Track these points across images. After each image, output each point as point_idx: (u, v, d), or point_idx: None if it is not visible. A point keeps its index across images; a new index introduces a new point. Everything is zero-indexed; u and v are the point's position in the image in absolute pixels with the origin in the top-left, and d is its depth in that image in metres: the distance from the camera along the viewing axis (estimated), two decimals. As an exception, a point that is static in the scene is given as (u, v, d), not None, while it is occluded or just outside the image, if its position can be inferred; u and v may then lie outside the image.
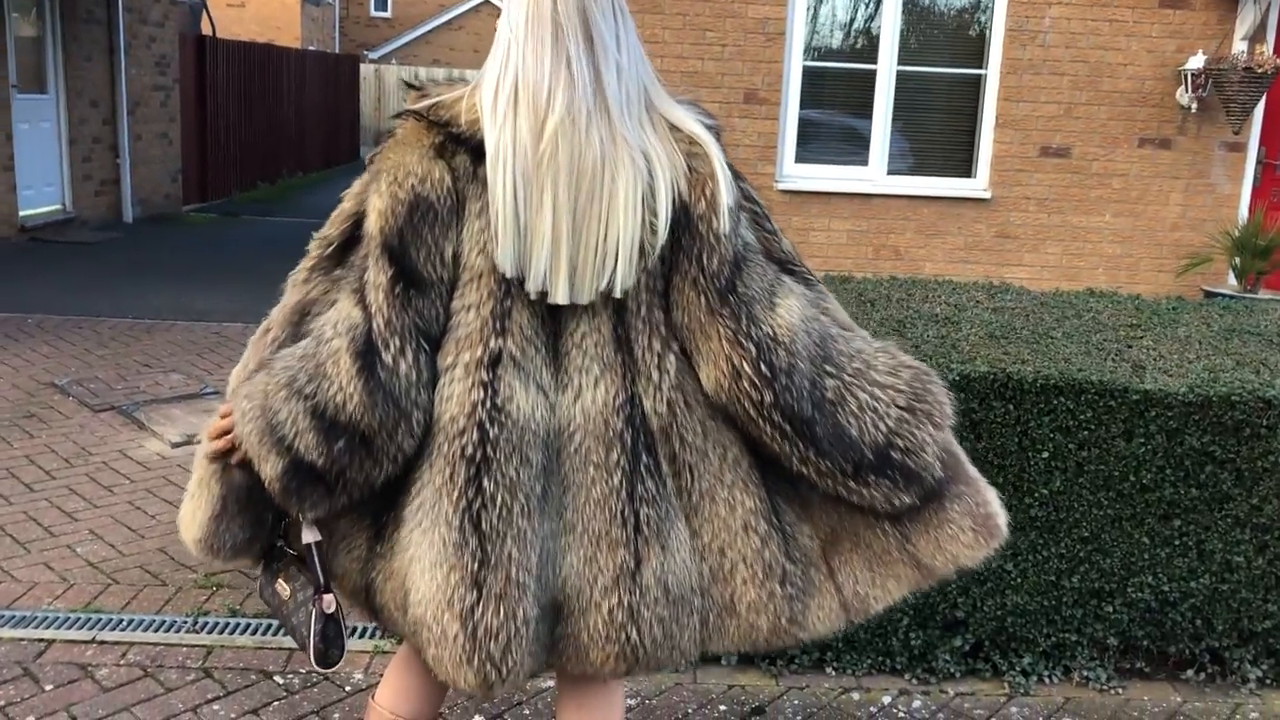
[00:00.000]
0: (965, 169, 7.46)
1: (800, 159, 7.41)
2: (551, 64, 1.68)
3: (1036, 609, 3.13)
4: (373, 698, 2.11)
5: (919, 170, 7.47)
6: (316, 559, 1.83)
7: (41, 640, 3.25)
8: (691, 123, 1.78)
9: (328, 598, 1.84)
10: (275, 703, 3.00)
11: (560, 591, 1.78)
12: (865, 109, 7.38)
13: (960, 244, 7.40)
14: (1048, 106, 7.25)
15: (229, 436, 1.80)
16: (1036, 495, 3.03)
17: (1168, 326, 3.48)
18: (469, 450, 1.69)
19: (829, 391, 1.75)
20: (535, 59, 1.68)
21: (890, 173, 7.43)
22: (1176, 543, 3.08)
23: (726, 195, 1.74)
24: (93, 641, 3.25)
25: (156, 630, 3.33)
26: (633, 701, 3.07)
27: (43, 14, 10.72)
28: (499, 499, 1.70)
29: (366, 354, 1.67)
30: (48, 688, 3.02)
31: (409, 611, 1.79)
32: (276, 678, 3.12)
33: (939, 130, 7.50)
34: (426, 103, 1.75)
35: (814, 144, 7.46)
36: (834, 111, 7.59)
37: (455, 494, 1.70)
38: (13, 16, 10.10)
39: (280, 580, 1.93)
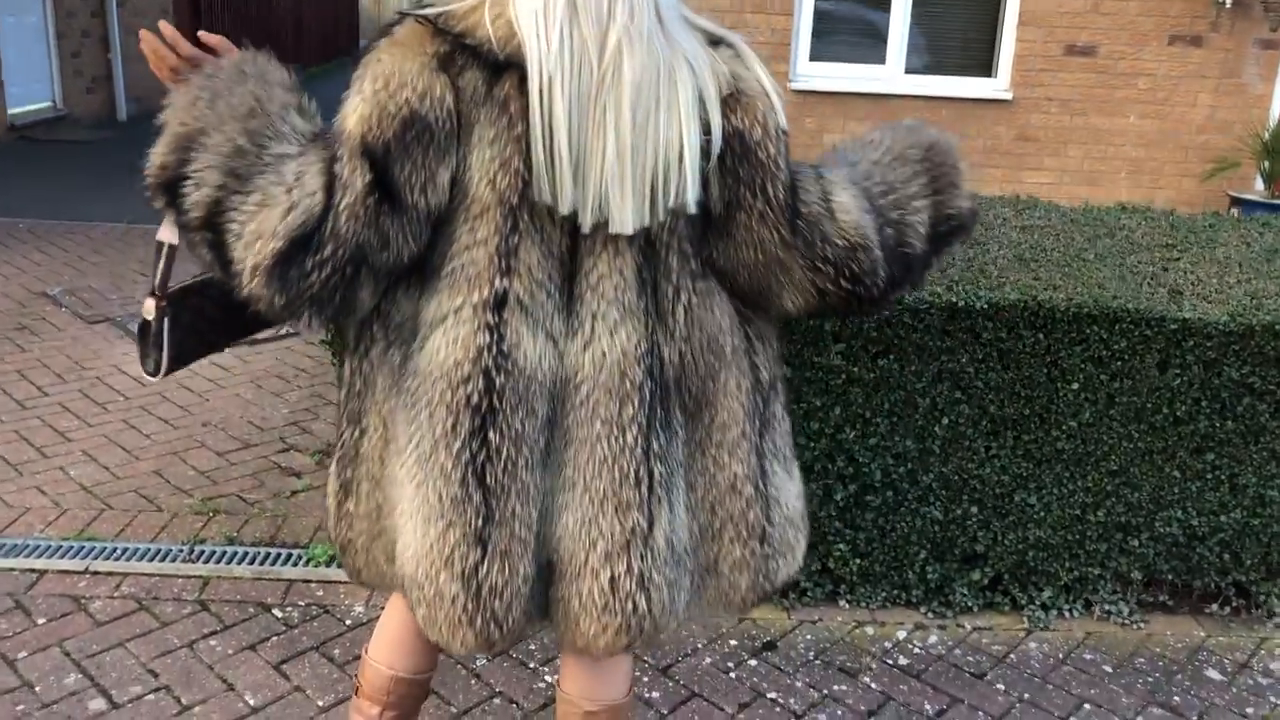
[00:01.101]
0: (986, 68, 7.16)
1: (815, 56, 7.11)
2: None
3: (1059, 543, 3.02)
4: (365, 650, 2.02)
5: (937, 70, 7.17)
6: (160, 260, 1.74)
7: (33, 571, 3.16)
8: (723, 30, 1.62)
9: (148, 303, 1.74)
10: (274, 638, 2.91)
11: (555, 552, 1.66)
12: (883, 4, 7.06)
13: (979, 147, 7.13)
14: (1073, 2, 6.92)
15: (171, 78, 1.67)
16: (1064, 428, 2.89)
17: (1205, 247, 3.30)
18: (474, 399, 1.56)
19: (892, 240, 1.75)
20: None
21: (908, 71, 7.14)
22: (1209, 476, 2.95)
23: (780, 115, 1.60)
24: (86, 572, 3.16)
25: (152, 559, 3.24)
26: (641, 637, 2.99)
27: (23, -101, 10.30)
28: (505, 452, 1.58)
29: (300, 243, 1.50)
30: (40, 621, 2.94)
31: (401, 569, 1.68)
32: (275, 610, 3.03)
33: (959, 28, 7.17)
34: (434, 10, 1.55)
35: (830, 41, 7.15)
36: (851, 5, 7.26)
37: (457, 446, 1.58)
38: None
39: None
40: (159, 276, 1.74)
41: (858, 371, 2.82)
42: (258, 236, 1.50)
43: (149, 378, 1.83)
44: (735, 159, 1.58)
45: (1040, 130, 7.13)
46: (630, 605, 1.65)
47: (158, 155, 1.59)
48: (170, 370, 1.81)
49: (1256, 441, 2.92)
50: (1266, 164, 6.67)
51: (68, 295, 5.70)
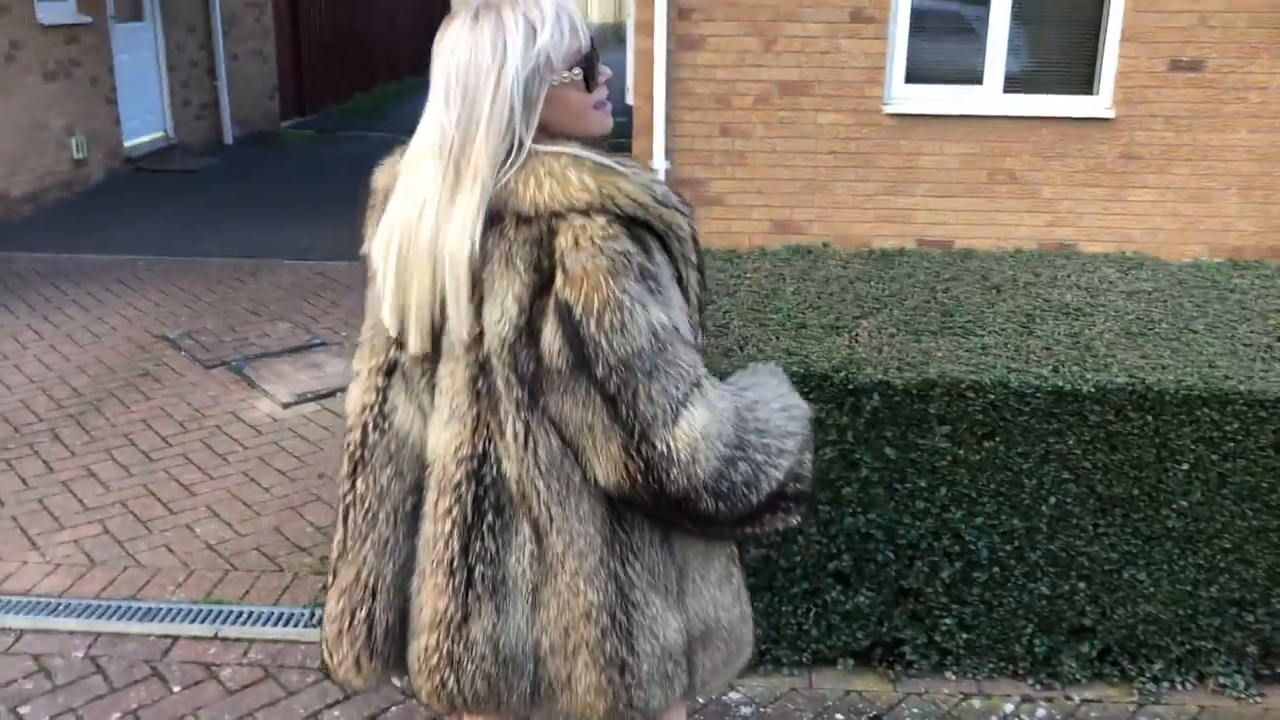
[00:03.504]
0: (1087, 86, 7.01)
1: (910, 79, 7.05)
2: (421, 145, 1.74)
3: (1170, 618, 2.99)
4: None
5: (1037, 89, 7.05)
6: None
7: (168, 636, 3.33)
8: (568, 189, 1.59)
9: None
10: (393, 708, 3.03)
11: (406, 608, 1.84)
12: (980, 23, 6.96)
13: (1080, 166, 7.00)
14: (1180, 16, 6.74)
15: None
16: (1174, 506, 2.86)
17: (1323, 310, 3.22)
18: (352, 448, 1.81)
19: (740, 476, 1.65)
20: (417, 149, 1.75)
21: (1006, 92, 7.03)
22: (1328, 554, 2.89)
23: (600, 295, 1.56)
24: (215, 638, 3.33)
25: (276, 624, 3.39)
26: (747, 710, 3.04)
27: (136, -61, 10.70)
28: (367, 501, 1.80)
29: None
30: (175, 689, 3.11)
31: None
32: (394, 679, 3.14)
33: (1059, 45, 7.04)
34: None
35: (925, 63, 7.08)
36: (946, 28, 7.18)
37: (340, 487, 1.82)
38: (106, -56, 10.09)
39: None
40: None
41: (963, 454, 2.83)
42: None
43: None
44: (564, 331, 1.60)
45: (1145, 148, 6.96)
46: (439, 678, 1.78)
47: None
48: None
49: (1378, 519, 2.85)
50: (1387, 179, 6.43)
51: (186, 338, 5.94)
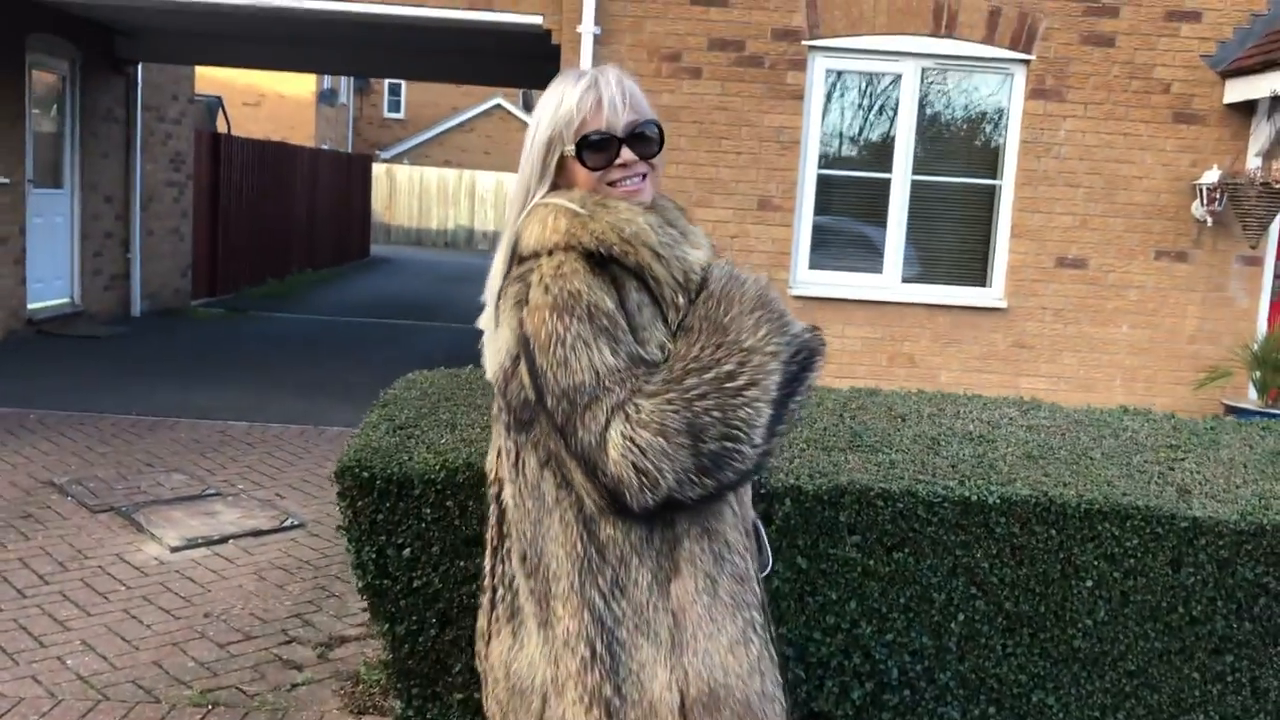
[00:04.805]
0: (980, 278, 7.42)
1: (814, 265, 7.38)
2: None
3: (1080, 747, 2.95)
4: None
5: (934, 279, 7.43)
6: None
7: (25, 763, 3.06)
8: (545, 232, 1.77)
9: None
10: (270, 837, 2.80)
11: None
12: (879, 217, 7.38)
13: (976, 353, 7.32)
14: (1063, 218, 7.24)
15: None
16: (1080, 626, 2.88)
17: (1209, 448, 3.36)
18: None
19: (714, 446, 1.65)
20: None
21: (905, 280, 7.39)
22: (1229, 679, 2.91)
23: (545, 330, 1.68)
24: (79, 765, 3.07)
25: (147, 753, 3.15)
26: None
27: (63, 111, 10.84)
28: (486, 533, 1.97)
29: None
30: (29, 817, 2.84)
31: None
32: None
33: (954, 239, 7.48)
34: None
35: (828, 251, 7.44)
36: (848, 219, 7.59)
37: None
38: (33, 113, 10.20)
39: None
40: None
41: (873, 565, 2.83)
42: None
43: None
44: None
45: (1036, 338, 7.32)
46: (479, 693, 1.94)
47: None
48: None
49: (1276, 644, 2.90)
50: (1258, 374, 6.83)
51: (74, 484, 5.71)
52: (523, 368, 1.71)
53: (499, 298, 1.77)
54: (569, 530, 1.74)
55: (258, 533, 5.13)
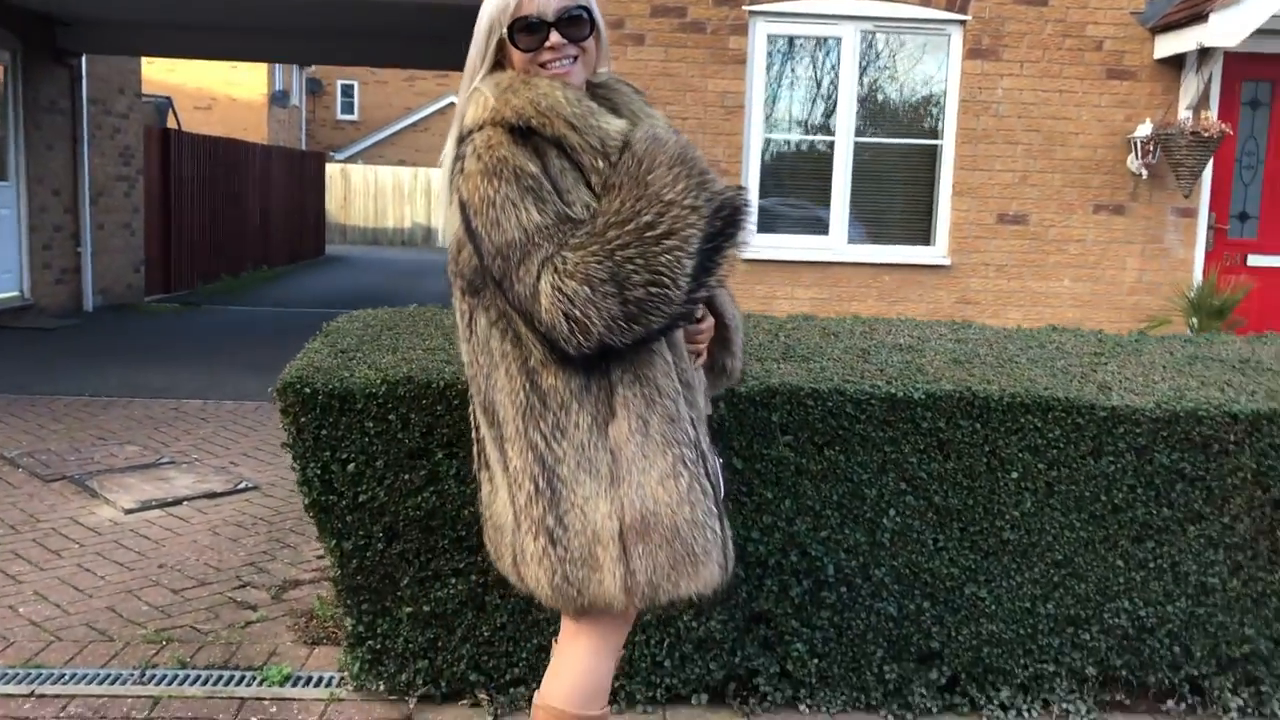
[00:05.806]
0: (925, 237, 7.55)
1: (762, 229, 7.47)
2: None
3: (1012, 637, 3.06)
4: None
5: (879, 239, 7.55)
6: None
7: (-23, 695, 3.09)
8: (477, 110, 1.98)
9: None
10: (224, 751, 2.85)
11: None
12: (825, 180, 7.48)
13: (922, 310, 7.44)
14: (1003, 175, 7.38)
15: None
16: (1008, 518, 2.98)
17: (1131, 354, 3.48)
18: None
19: (639, 293, 1.83)
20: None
21: (851, 241, 7.51)
22: (1151, 565, 3.03)
23: (479, 194, 1.89)
24: (31, 695, 3.10)
25: (100, 683, 3.17)
26: (600, 742, 2.94)
27: (4, 103, 10.74)
28: None
29: None
30: (-18, 741, 2.86)
31: None
32: None
33: (897, 199, 7.60)
34: None
35: (776, 214, 7.54)
36: (794, 183, 7.69)
37: None
38: (-25, 105, 10.12)
39: None
40: None
41: (805, 463, 2.92)
42: None
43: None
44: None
45: (980, 294, 7.46)
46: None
47: None
48: None
49: (1194, 528, 3.01)
50: (1194, 320, 7.00)
51: (25, 457, 5.69)
52: (462, 233, 1.92)
53: (451, 174, 1.98)
54: (513, 381, 1.95)
55: (212, 495, 5.15)
